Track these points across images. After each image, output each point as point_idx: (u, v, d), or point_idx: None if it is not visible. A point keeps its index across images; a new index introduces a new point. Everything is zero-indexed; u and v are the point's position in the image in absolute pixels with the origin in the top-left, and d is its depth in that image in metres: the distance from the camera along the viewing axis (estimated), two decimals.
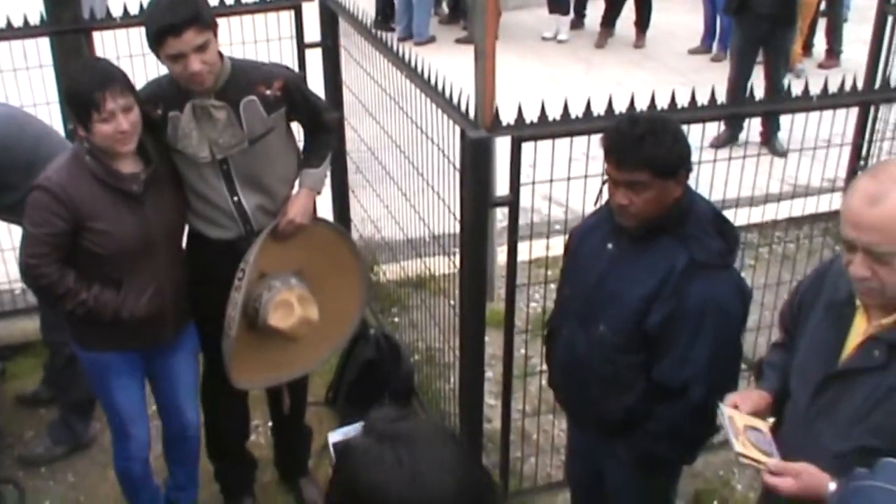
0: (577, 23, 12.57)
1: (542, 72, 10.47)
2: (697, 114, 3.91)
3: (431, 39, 11.69)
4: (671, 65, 10.90)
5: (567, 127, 3.72)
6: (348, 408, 5.06)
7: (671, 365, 3.23)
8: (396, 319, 5.87)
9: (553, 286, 4.74)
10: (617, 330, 3.30)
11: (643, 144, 3.06)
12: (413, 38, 11.50)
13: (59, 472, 5.00)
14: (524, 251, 4.18)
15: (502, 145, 3.82)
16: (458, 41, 11.37)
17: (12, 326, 5.84)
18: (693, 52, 11.45)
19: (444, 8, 12.99)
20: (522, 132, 3.66)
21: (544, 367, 4.60)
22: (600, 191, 3.41)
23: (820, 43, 11.11)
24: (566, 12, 12.20)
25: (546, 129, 3.70)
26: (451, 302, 4.57)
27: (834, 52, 10.87)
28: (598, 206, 3.52)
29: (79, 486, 4.92)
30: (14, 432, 5.26)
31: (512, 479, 4.59)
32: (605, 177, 3.27)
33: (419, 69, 4.14)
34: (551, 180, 3.87)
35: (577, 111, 3.78)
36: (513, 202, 3.78)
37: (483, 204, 3.68)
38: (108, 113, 3.51)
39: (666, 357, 3.24)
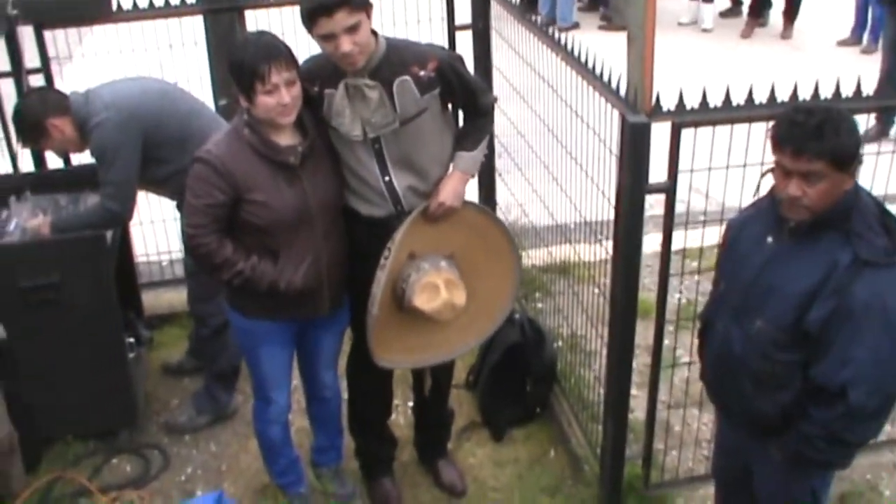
0: (735, 11, 12.29)
1: (684, 62, 10.26)
2: (858, 104, 3.76)
3: (575, 25, 11.62)
4: (820, 57, 10.61)
5: (729, 114, 3.63)
6: (488, 392, 5.04)
7: (831, 365, 3.12)
8: (540, 305, 5.84)
9: (696, 277, 4.68)
10: (775, 325, 3.20)
11: (823, 134, 2.96)
12: (557, 24, 11.42)
13: (202, 441, 5.12)
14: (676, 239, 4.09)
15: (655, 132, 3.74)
16: (601, 27, 11.28)
17: (160, 297, 6.00)
18: (842, 43, 11.13)
19: None
20: (683, 118, 3.58)
21: (687, 358, 4.55)
22: (759, 182, 3.32)
23: None
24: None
25: (707, 115, 3.62)
26: (597, 289, 4.52)
27: None
28: (756, 197, 3.43)
29: (220, 456, 5.03)
30: (160, 399, 5.41)
31: (653, 471, 4.52)
32: (764, 165, 3.19)
33: (577, 53, 4.08)
34: (710, 168, 3.78)
35: (737, 99, 3.69)
36: (670, 189, 3.70)
37: (640, 190, 3.61)
38: (272, 85, 3.57)
39: (826, 356, 3.13)
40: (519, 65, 5.01)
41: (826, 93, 3.69)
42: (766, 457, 3.45)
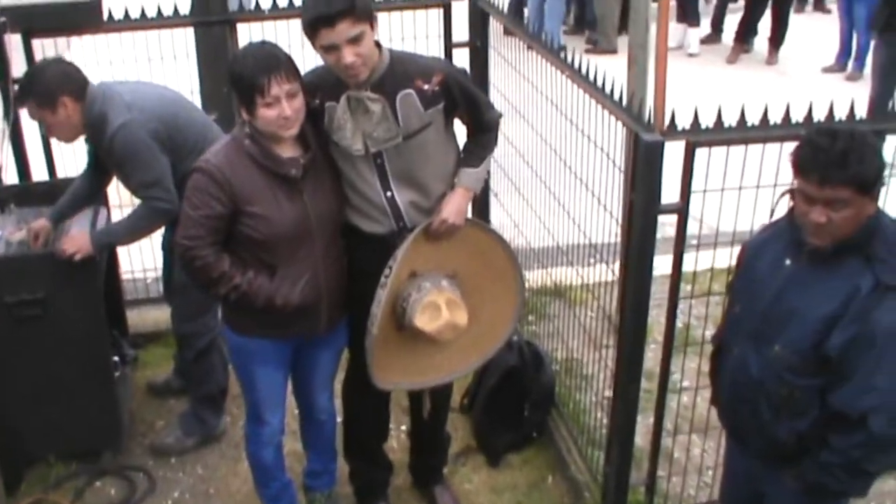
0: (714, 37, 12.37)
1: (669, 85, 10.23)
2: (872, 126, 3.69)
3: (562, 48, 11.54)
4: (805, 83, 10.62)
5: (744, 134, 3.56)
6: (485, 415, 4.94)
7: (852, 392, 3.05)
8: (534, 328, 5.74)
9: (694, 301, 4.60)
10: (794, 350, 3.13)
11: (848, 160, 2.88)
12: None
13: (189, 464, 4.98)
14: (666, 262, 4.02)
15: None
16: (587, 51, 11.25)
17: (145, 315, 5.88)
18: (827, 70, 11.18)
19: (570, 19, 12.99)
20: (698, 137, 3.51)
21: (687, 383, 4.46)
22: (774, 206, 3.27)
23: None
24: (696, 24, 12.03)
25: (722, 135, 3.54)
26: (593, 313, 4.44)
27: None
28: (772, 219, 3.35)
29: (208, 479, 4.89)
30: (145, 420, 5.28)
31: (656, 498, 4.42)
32: (778, 187, 3.13)
33: (585, 72, 4.00)
34: (723, 189, 3.70)
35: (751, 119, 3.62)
36: (682, 209, 3.62)
37: (653, 210, 3.53)
38: (273, 98, 3.49)
39: (847, 383, 3.06)
40: (517, 83, 4.94)
41: (840, 114, 3.62)
42: (779, 484, 3.37)
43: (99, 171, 4.74)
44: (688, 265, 4.05)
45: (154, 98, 4.50)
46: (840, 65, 11.24)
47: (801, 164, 2.98)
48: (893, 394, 3.02)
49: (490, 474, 4.85)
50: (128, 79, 4.71)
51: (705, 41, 12.27)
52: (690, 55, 11.78)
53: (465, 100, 3.81)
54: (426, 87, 3.69)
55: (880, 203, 3.12)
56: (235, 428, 5.03)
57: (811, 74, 11.08)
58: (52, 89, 4.32)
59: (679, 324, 5.23)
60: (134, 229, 4.50)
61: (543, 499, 4.68)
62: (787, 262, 3.19)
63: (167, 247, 4.96)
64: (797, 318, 3.12)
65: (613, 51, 11.43)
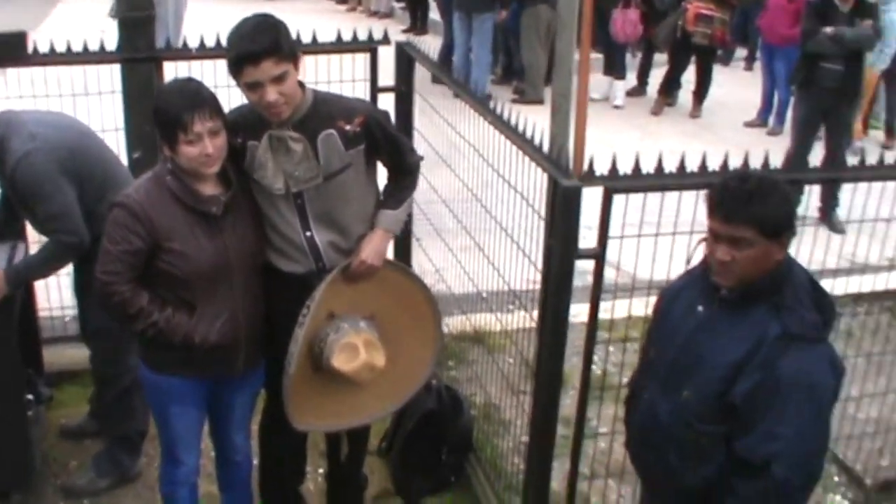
0: (640, 90, 12.59)
1: (595, 135, 10.37)
2: (788, 175, 3.78)
3: (488, 97, 11.65)
4: (727, 136, 10.82)
5: (661, 181, 3.62)
6: (402, 459, 4.91)
7: (756, 439, 3.08)
8: (453, 373, 5.75)
9: (609, 348, 4.65)
10: (701, 396, 3.16)
11: (752, 200, 2.96)
12: None
13: None
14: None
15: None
16: (514, 101, 11.36)
17: (61, 353, 5.74)
18: (749, 124, 11.44)
19: (498, 69, 13.10)
20: (615, 183, 3.56)
21: (602, 429, 4.50)
22: (691, 254, 3.32)
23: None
24: (622, 76, 12.23)
25: (640, 182, 3.60)
26: (512, 359, 4.46)
27: (894, 131, 10.77)
28: (689, 266, 3.41)
29: None
30: (57, 460, 5.16)
31: None
32: (694, 235, 3.19)
33: (507, 118, 4.05)
34: (640, 235, 3.76)
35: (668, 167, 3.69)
36: (599, 254, 3.67)
37: (570, 255, 3.56)
38: (195, 135, 3.49)
39: (750, 430, 3.09)
40: (441, 129, 4.98)
41: (756, 163, 3.70)
42: None
43: (10, 205, 4.62)
44: (606, 313, 4.11)
45: (63, 127, 4.40)
46: (762, 120, 11.53)
47: (711, 203, 3.05)
48: (796, 441, 3.05)
49: None
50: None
51: (631, 94, 12.48)
52: (616, 107, 11.97)
53: (387, 141, 3.85)
54: (348, 127, 3.72)
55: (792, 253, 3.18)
56: (151, 469, 4.94)
57: (734, 128, 11.30)
58: None
59: (598, 370, 5.32)
60: (43, 265, 4.41)
61: None
62: (700, 308, 3.23)
63: (78, 289, 4.83)
64: (705, 364, 3.15)
65: (540, 101, 11.49)
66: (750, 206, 2.97)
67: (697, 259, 3.34)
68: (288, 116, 3.63)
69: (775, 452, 3.05)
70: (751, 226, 2.98)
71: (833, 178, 5.42)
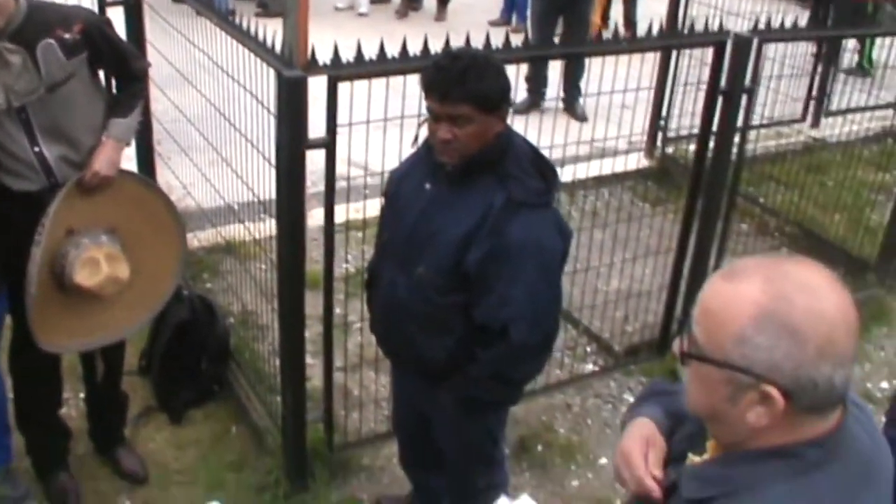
0: None
1: (342, 43, 10.38)
2: (508, 55, 3.93)
3: (231, 13, 11.45)
4: (473, 37, 10.93)
5: (384, 66, 3.70)
6: (163, 373, 4.89)
7: (491, 305, 3.20)
8: (209, 285, 5.75)
9: (363, 247, 4.73)
10: (436, 270, 3.25)
11: (466, 78, 3.03)
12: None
13: None
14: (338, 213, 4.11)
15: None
16: (258, 14, 11.19)
17: None
18: (493, 23, 11.60)
19: None
20: (339, 72, 3.60)
21: (359, 324, 4.59)
22: (417, 132, 3.38)
23: (616, 14, 11.35)
24: None
25: (363, 68, 3.66)
26: (264, 265, 4.47)
27: (631, 23, 11.15)
28: (415, 147, 3.47)
29: None
30: None
31: (336, 435, 4.55)
32: (421, 117, 3.26)
33: (231, 18, 4.02)
34: (368, 121, 3.83)
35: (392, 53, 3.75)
36: (329, 144, 3.70)
37: (299, 146, 3.59)
38: None
39: (486, 297, 3.20)
40: (176, 41, 4.89)
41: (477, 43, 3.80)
42: (439, 403, 3.49)
43: None
44: (359, 213, 4.15)
45: None
46: (505, 18, 11.77)
47: (425, 84, 3.11)
48: (529, 304, 3.18)
49: (173, 431, 4.81)
50: None
51: (375, 1, 12.47)
52: (361, 14, 11.95)
53: (110, 48, 3.76)
54: (67, 35, 3.60)
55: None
56: None
57: (479, 29, 11.45)
58: None
59: (352, 269, 5.42)
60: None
61: (228, 449, 4.69)
62: (428, 186, 3.30)
63: None
64: (438, 239, 3.23)
65: (282, 14, 11.36)
66: (465, 84, 3.03)
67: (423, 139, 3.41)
68: (2, 27, 3.49)
69: (511, 316, 3.17)
70: (468, 103, 3.05)
71: (569, 53, 5.52)
